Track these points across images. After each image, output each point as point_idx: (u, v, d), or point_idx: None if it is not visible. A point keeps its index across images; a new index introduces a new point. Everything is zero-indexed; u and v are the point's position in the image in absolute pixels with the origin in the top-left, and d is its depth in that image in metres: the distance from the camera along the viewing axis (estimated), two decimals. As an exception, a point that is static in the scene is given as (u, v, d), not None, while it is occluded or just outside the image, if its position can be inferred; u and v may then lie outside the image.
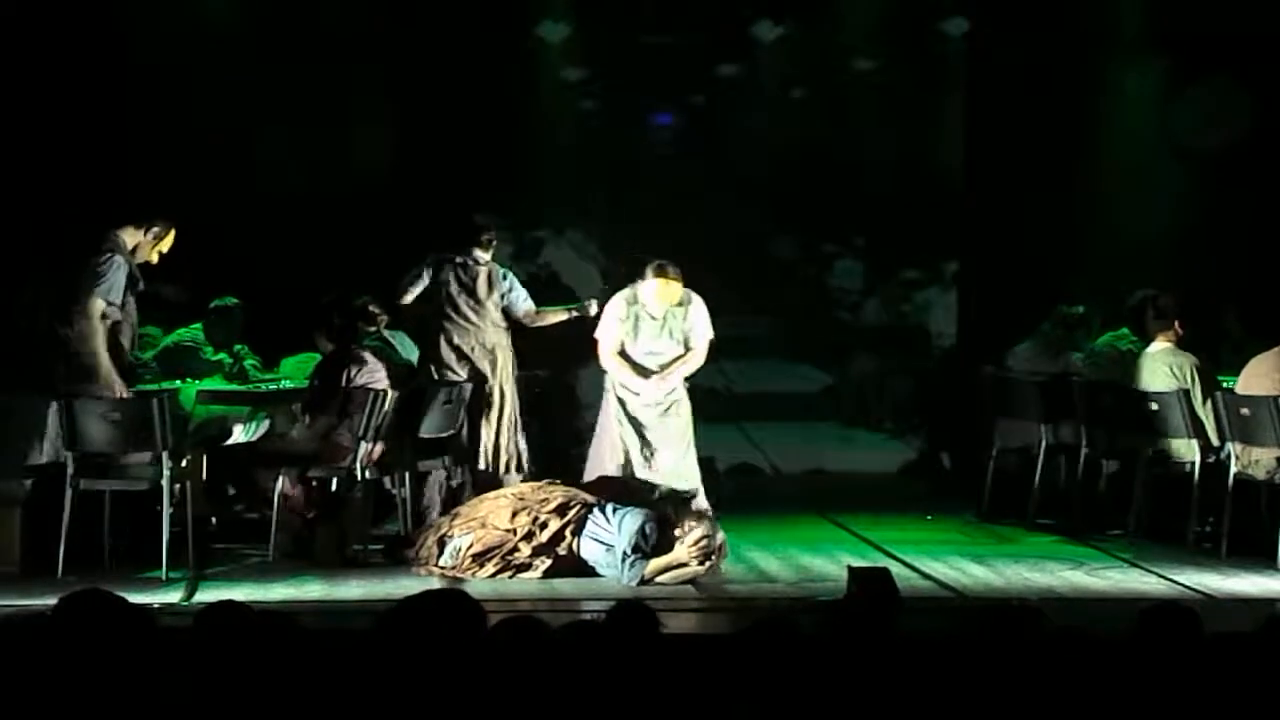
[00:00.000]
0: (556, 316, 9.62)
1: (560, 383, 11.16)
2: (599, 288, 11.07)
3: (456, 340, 9.30)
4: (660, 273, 8.86)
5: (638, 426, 8.90)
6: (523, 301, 9.47)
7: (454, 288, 9.32)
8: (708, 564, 8.13)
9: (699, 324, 8.97)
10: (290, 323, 9.72)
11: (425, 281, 9.34)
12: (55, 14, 10.63)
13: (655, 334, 8.95)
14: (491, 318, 9.35)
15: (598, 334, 9.06)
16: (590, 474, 8.98)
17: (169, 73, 10.90)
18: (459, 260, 9.36)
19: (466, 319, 9.32)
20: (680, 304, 8.94)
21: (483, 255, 9.40)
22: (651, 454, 8.86)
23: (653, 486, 8.78)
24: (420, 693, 4.07)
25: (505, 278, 9.46)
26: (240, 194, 10.92)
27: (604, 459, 8.94)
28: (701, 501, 8.85)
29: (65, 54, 10.59)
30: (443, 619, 4.22)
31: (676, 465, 8.90)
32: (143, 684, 4.04)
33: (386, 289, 9.89)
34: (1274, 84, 11.12)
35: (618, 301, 9.04)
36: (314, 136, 11.06)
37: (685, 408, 8.98)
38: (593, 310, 9.48)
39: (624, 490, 8.67)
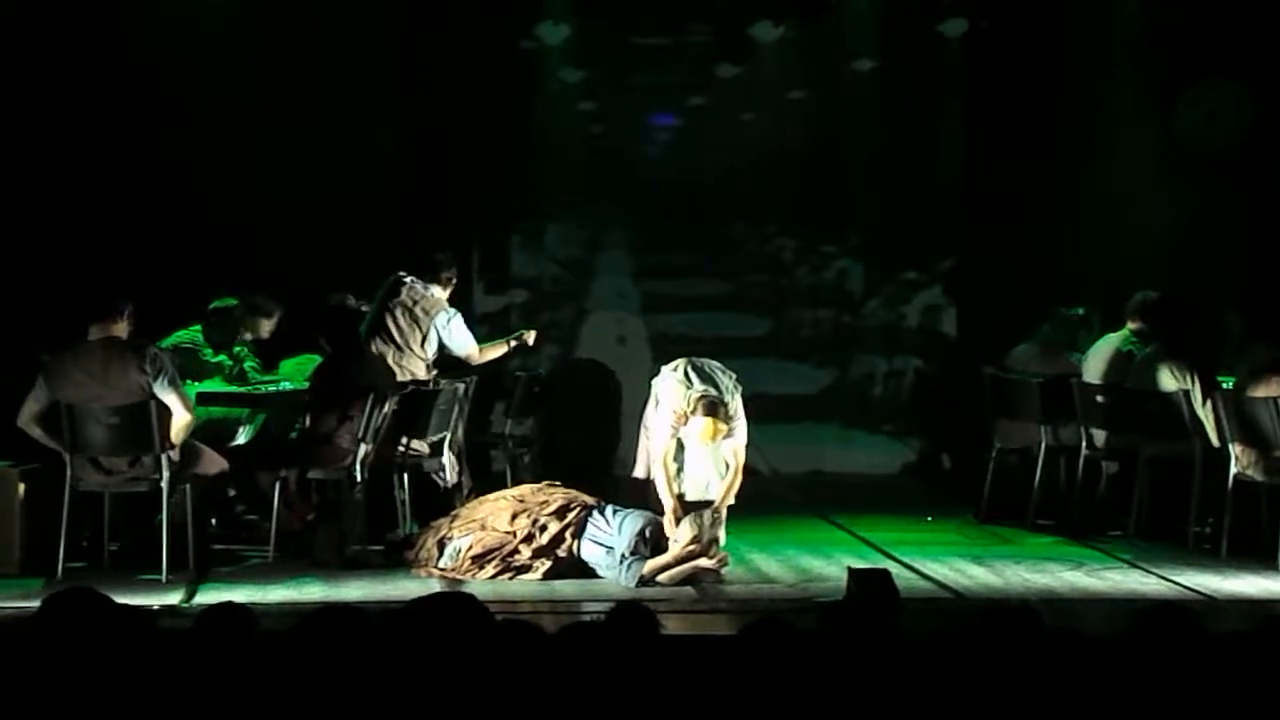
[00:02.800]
0: (497, 351, 9.57)
1: (560, 382, 11.13)
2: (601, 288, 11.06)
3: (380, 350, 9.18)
4: (710, 411, 8.26)
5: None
6: (463, 345, 9.28)
7: (396, 305, 9.21)
8: (715, 558, 8.09)
9: (739, 440, 8.47)
10: (290, 324, 9.72)
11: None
12: (56, 14, 10.63)
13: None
14: (412, 344, 9.21)
15: (649, 425, 8.61)
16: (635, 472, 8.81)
17: (169, 73, 10.90)
18: (408, 280, 9.29)
19: (392, 336, 9.21)
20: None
21: (437, 291, 9.30)
22: (681, 465, 8.55)
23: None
24: (423, 694, 4.07)
25: (448, 322, 9.22)
26: (240, 195, 10.92)
27: (640, 461, 8.81)
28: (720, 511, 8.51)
29: (66, 53, 10.60)
30: (448, 621, 4.22)
31: (707, 479, 8.55)
32: (134, 684, 4.03)
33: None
34: (1275, 83, 11.12)
35: (675, 398, 8.40)
36: (314, 137, 11.06)
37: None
38: (530, 340, 9.48)
39: (643, 495, 8.59)
